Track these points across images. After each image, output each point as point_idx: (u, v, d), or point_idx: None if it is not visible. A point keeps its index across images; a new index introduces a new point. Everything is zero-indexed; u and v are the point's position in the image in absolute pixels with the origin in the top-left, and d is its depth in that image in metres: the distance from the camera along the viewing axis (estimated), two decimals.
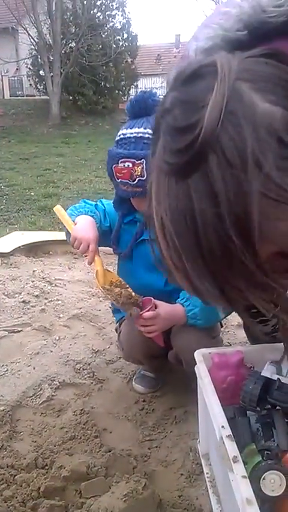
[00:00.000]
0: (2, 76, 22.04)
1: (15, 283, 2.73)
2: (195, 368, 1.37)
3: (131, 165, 1.43)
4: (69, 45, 16.42)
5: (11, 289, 2.63)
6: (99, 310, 2.42)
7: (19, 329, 2.20)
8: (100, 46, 16.06)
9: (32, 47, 16.61)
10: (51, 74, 15.67)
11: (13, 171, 8.30)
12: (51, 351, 2.03)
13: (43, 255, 3.34)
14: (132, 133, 1.47)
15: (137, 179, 1.43)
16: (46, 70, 15.77)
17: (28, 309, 2.40)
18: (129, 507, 1.09)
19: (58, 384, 1.82)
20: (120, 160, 1.45)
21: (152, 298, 1.51)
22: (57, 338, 2.13)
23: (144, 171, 1.42)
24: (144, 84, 22.23)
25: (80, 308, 2.41)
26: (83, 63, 15.56)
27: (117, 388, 1.84)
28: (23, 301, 2.45)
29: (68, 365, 1.94)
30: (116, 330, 1.87)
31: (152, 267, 1.62)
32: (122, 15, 17.36)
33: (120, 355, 1.86)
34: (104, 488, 1.20)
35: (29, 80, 19.05)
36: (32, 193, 6.53)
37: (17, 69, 23.45)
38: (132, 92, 19.46)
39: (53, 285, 2.68)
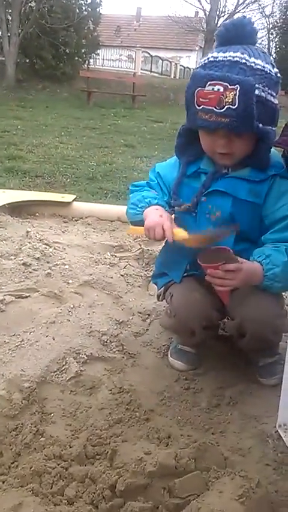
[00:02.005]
0: None
1: (8, 243, 2.39)
2: None
3: (222, 89, 1.19)
4: (30, 4, 15.36)
5: (5, 250, 2.30)
6: (111, 277, 2.16)
7: (26, 294, 1.90)
8: (62, 9, 15.14)
9: None
10: (9, 33, 14.64)
11: None
12: (69, 320, 1.76)
13: (28, 217, 3.00)
14: (226, 57, 1.23)
15: (226, 107, 1.19)
16: (3, 28, 14.68)
17: (30, 272, 2.10)
18: (248, 509, 0.87)
19: (85, 358, 1.56)
20: (209, 83, 1.21)
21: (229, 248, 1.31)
22: (71, 306, 1.85)
23: (237, 99, 1.18)
24: (103, 55, 21.40)
25: (91, 274, 2.13)
26: (43, 25, 14.60)
27: (152, 364, 1.62)
28: (24, 264, 2.13)
29: (93, 336, 1.68)
30: (159, 296, 1.64)
31: (220, 222, 1.40)
32: None
33: (163, 324, 1.62)
34: (201, 486, 0.96)
35: None
36: None
37: None
38: (93, 61, 18.68)
39: (52, 248, 2.37)
